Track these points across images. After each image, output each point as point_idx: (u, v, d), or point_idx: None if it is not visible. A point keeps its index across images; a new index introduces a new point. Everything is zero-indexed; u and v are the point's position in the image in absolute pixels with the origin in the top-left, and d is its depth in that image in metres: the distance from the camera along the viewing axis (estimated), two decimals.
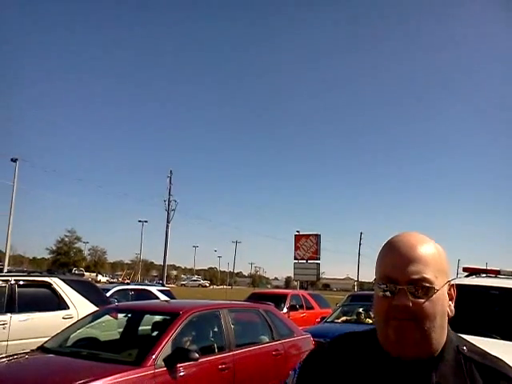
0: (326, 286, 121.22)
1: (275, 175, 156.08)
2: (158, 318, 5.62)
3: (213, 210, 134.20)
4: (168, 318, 5.17)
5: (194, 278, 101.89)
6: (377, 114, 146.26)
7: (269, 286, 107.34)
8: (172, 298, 13.14)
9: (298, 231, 45.95)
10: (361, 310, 11.09)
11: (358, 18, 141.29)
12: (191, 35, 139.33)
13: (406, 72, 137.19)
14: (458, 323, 5.31)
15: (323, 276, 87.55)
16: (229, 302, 6.87)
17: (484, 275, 5.79)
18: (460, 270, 6.18)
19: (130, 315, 6.11)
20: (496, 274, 5.74)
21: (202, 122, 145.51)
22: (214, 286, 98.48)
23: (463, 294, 5.59)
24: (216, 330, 5.62)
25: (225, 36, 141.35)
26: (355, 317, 10.92)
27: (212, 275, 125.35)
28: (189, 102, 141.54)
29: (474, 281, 5.57)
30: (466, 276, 5.84)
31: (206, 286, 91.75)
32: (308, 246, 43.26)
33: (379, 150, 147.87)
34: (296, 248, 43.64)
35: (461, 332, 4.39)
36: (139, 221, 69.38)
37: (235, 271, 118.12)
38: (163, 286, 20.93)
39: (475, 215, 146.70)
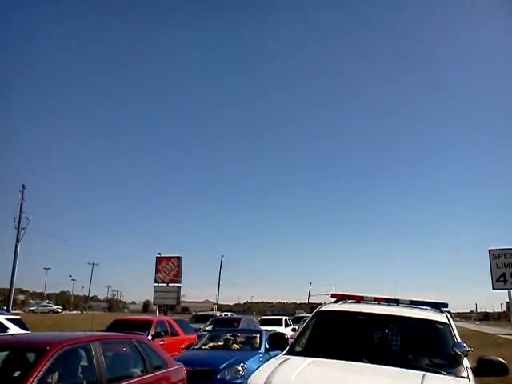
0: (185, 310, 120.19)
1: (134, 195, 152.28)
2: (19, 354, 5.05)
3: (69, 230, 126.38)
4: (33, 354, 4.68)
5: (44, 303, 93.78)
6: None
7: (126, 311, 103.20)
8: (25, 328, 11.95)
9: (159, 253, 45.09)
10: (229, 335, 11.15)
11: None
12: None
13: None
14: (326, 347, 5.53)
15: (183, 299, 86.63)
16: (101, 333, 6.44)
17: (350, 301, 6.19)
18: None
19: None
20: (359, 299, 6.17)
21: (60, 134, 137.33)
22: (67, 312, 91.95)
23: (332, 319, 5.87)
24: (86, 364, 5.21)
25: None
26: (223, 343, 10.93)
27: (65, 300, 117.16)
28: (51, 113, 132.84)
29: (341, 307, 5.92)
30: (334, 302, 6.19)
31: (57, 312, 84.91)
32: (169, 269, 42.61)
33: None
34: (157, 271, 42.68)
35: (327, 356, 4.54)
36: None
37: (90, 295, 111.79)
38: (8, 312, 18.98)
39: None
